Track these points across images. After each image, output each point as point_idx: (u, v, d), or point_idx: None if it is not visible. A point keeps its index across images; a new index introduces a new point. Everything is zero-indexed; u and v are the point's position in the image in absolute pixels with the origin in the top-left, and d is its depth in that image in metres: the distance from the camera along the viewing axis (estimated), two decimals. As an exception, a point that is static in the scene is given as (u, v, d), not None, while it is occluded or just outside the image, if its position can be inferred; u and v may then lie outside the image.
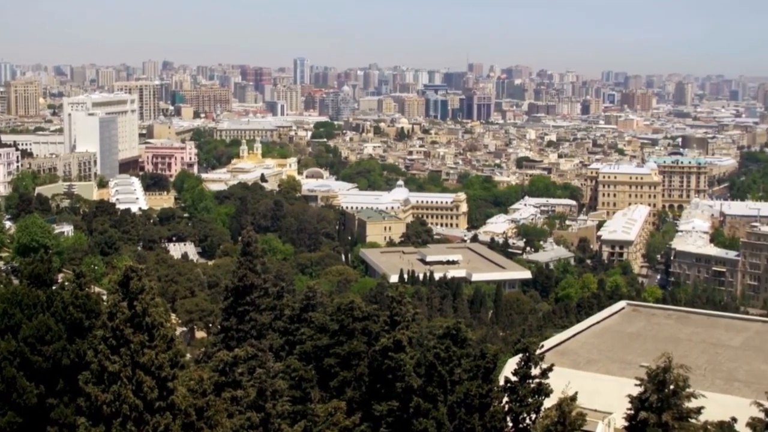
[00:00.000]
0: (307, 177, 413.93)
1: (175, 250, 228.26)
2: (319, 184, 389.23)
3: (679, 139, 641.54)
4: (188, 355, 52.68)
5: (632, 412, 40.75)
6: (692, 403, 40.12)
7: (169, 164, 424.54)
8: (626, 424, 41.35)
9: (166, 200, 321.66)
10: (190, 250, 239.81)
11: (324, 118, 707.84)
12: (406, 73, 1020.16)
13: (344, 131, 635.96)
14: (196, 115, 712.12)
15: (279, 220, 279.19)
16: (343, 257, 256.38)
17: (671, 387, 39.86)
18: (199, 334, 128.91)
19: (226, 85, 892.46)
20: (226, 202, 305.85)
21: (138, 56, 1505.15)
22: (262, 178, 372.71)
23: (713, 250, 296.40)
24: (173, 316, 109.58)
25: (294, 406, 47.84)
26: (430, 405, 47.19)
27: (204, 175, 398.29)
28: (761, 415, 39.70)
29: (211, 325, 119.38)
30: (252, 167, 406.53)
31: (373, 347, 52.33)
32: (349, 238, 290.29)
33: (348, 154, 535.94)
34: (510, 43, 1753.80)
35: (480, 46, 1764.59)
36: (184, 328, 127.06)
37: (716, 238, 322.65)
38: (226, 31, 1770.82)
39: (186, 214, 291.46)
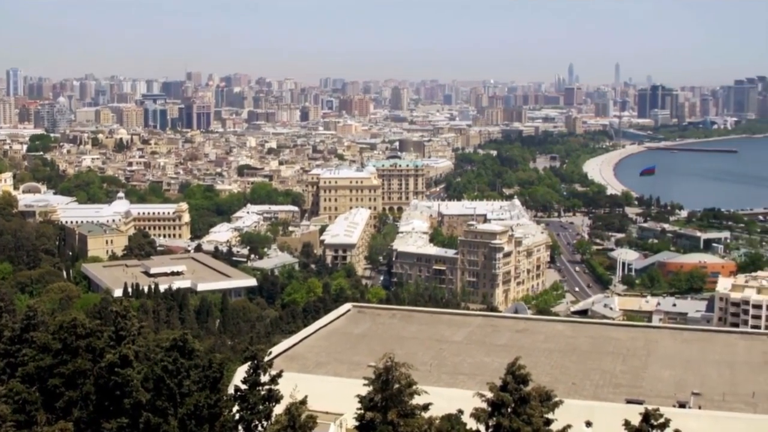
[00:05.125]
0: (23, 192, 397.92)
1: None
2: (36, 198, 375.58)
3: (397, 143, 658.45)
4: None
5: (361, 412, 41.47)
6: (417, 400, 41.14)
7: None
8: (357, 423, 42.03)
9: None
10: None
11: (40, 131, 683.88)
12: (124, 83, 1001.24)
13: (61, 144, 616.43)
14: None
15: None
16: (65, 273, 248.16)
17: (395, 386, 40.75)
18: None
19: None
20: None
21: None
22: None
23: (433, 250, 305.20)
24: None
25: (19, 431, 46.19)
26: (160, 419, 46.54)
27: None
28: (484, 406, 41.18)
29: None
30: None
31: (98, 364, 51.12)
32: (70, 253, 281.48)
33: (66, 167, 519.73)
34: (228, 51, 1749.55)
35: (198, 54, 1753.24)
36: None
37: (435, 237, 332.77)
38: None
39: None
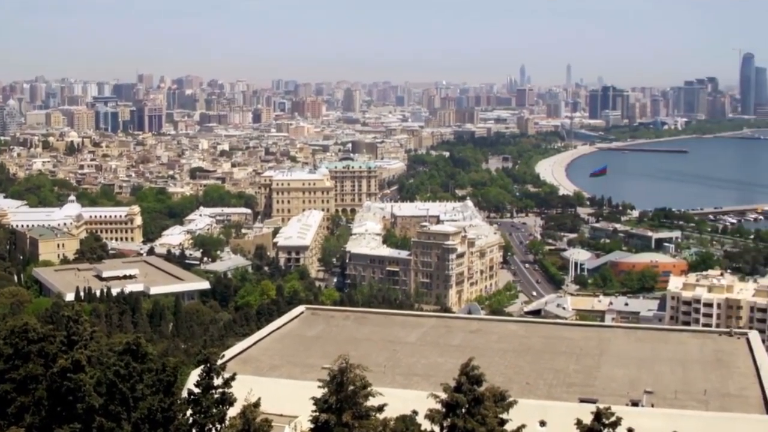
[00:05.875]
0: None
1: None
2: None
3: (349, 145, 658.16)
4: None
5: (316, 414, 41.44)
6: (372, 401, 41.17)
7: None
8: (312, 426, 41.98)
9: None
10: None
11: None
12: (75, 86, 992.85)
13: (11, 147, 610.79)
14: None
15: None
16: (16, 278, 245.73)
17: (350, 387, 40.76)
18: None
19: None
20: None
21: None
22: None
23: (386, 251, 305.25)
24: None
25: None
26: (113, 424, 46.25)
27: None
28: (438, 407, 41.29)
29: None
30: None
31: (50, 369, 50.73)
32: (21, 257, 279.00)
33: (16, 170, 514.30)
34: (180, 53, 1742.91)
35: (149, 56, 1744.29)
36: None
37: (388, 239, 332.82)
38: None
39: None
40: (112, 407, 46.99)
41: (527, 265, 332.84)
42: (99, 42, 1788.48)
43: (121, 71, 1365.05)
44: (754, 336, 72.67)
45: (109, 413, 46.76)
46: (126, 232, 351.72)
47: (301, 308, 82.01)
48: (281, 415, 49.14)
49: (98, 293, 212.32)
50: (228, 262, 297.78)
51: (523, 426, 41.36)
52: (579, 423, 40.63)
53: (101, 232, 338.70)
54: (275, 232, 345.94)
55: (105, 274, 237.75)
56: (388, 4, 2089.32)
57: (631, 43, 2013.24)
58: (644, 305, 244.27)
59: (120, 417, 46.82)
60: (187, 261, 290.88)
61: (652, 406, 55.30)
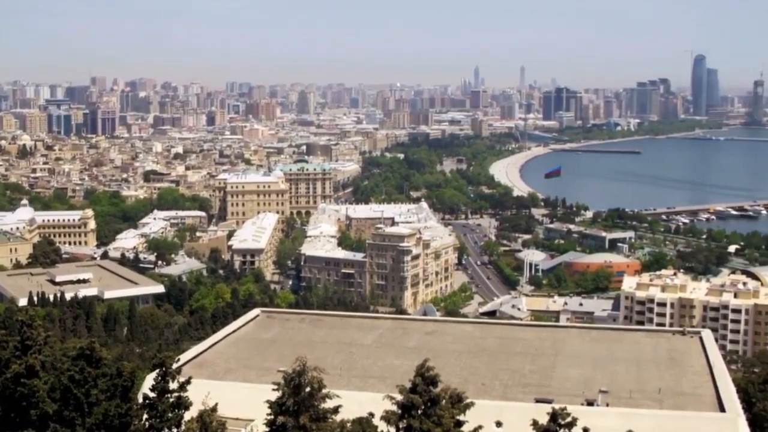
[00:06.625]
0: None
1: None
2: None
3: (304, 147, 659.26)
4: None
5: (272, 417, 41.35)
6: (328, 404, 41.16)
7: None
8: (267, 429, 41.89)
9: None
10: None
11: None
12: (27, 88, 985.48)
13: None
14: None
15: None
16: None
17: (307, 390, 40.72)
18: None
19: None
20: None
21: None
22: None
23: (341, 253, 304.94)
24: None
25: None
26: (68, 430, 45.90)
27: None
28: (394, 408, 41.32)
29: None
30: None
31: (4, 375, 50.27)
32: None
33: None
34: (133, 55, 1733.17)
35: (102, 59, 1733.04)
36: None
37: (344, 241, 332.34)
38: None
39: None
40: (66, 413, 46.65)
41: (480, 264, 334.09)
42: (51, 44, 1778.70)
43: (73, 74, 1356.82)
44: (707, 335, 73.25)
45: (64, 419, 46.41)
46: (79, 236, 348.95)
47: (256, 311, 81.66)
48: (237, 419, 48.99)
49: (52, 298, 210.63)
50: (182, 265, 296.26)
51: (480, 427, 41.42)
52: (535, 423, 40.82)
53: (54, 236, 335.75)
54: (230, 235, 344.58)
55: (58, 279, 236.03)
56: (341, 5, 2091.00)
57: (584, 45, 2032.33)
58: (598, 305, 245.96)
59: (75, 423, 46.47)
60: (141, 265, 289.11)
61: (608, 405, 55.55)
